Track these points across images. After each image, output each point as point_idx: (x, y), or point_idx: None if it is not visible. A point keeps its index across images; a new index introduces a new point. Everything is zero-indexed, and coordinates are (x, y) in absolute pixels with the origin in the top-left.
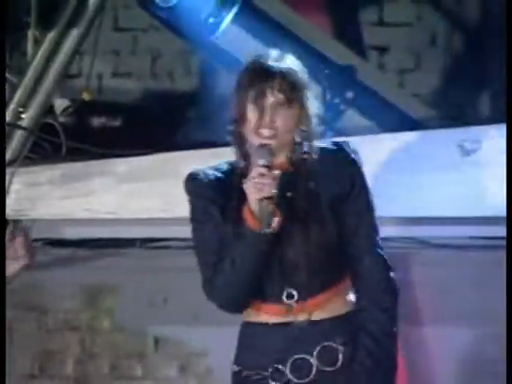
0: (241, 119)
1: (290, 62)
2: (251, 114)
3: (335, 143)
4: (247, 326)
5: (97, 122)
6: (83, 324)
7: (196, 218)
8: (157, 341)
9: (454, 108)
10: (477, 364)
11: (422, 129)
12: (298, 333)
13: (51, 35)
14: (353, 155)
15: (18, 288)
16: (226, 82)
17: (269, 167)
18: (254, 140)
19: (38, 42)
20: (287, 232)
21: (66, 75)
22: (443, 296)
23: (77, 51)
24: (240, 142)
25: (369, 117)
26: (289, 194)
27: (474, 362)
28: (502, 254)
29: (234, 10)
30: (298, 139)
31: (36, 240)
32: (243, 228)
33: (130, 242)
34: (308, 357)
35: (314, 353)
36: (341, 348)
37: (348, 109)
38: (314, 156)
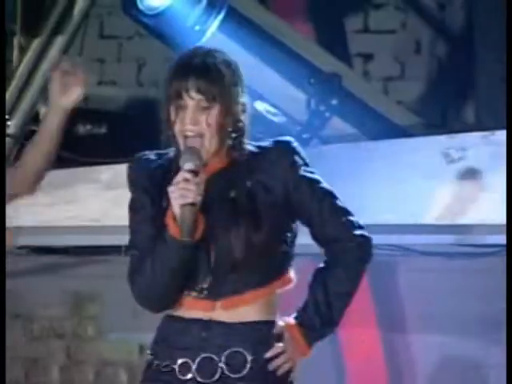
0: (167, 121)
1: (214, 59)
2: (173, 115)
3: (276, 142)
4: (166, 318)
5: (82, 129)
6: (68, 331)
7: (129, 207)
8: (142, 348)
9: (438, 115)
10: (464, 371)
11: (407, 136)
12: (211, 332)
13: (36, 42)
14: (288, 150)
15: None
16: None
17: (194, 172)
18: (181, 142)
19: (23, 50)
20: (216, 229)
21: None
22: (429, 303)
23: (62, 59)
24: (174, 142)
25: (353, 124)
26: (232, 195)
27: (461, 369)
28: (486, 261)
29: (220, 17)
30: (228, 140)
31: (21, 247)
32: (165, 232)
33: (114, 250)
34: (216, 358)
35: (222, 356)
36: (250, 357)
37: (333, 116)
38: (246, 155)
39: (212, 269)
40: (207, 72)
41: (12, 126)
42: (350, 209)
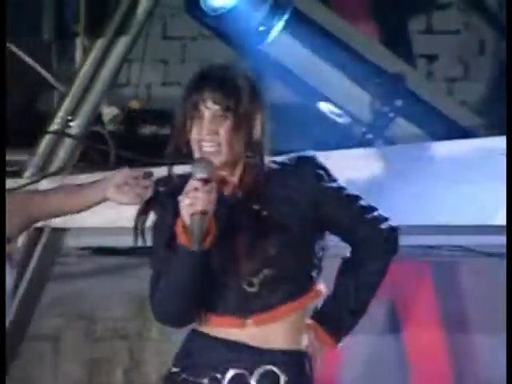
0: (182, 128)
1: (232, 72)
2: (188, 124)
3: (299, 157)
4: (195, 334)
5: (146, 130)
6: (131, 332)
7: (152, 228)
8: None
9: (501, 116)
10: None
11: (470, 137)
12: (240, 354)
13: (100, 43)
14: (312, 164)
15: (66, 297)
16: (274, 91)
17: (205, 180)
18: (196, 149)
19: (86, 50)
20: (242, 245)
21: (114, 84)
22: (492, 303)
23: (125, 59)
24: (181, 155)
25: (417, 125)
26: (256, 208)
27: None
28: None
29: (284, 18)
30: (246, 153)
31: (84, 248)
32: (177, 244)
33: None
34: (247, 374)
35: (255, 372)
36: (284, 377)
37: (397, 117)
38: (268, 170)
39: (240, 286)
40: (223, 84)
41: (75, 126)
42: (414, 208)
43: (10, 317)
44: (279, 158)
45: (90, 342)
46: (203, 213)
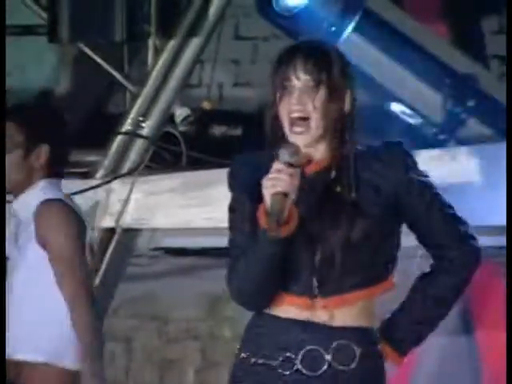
0: (272, 102)
1: (325, 45)
2: (278, 96)
3: (387, 143)
4: (261, 317)
5: (217, 131)
6: (204, 333)
7: (229, 207)
8: None
9: None
10: None
11: None
12: (312, 334)
13: (171, 44)
14: (401, 152)
15: (138, 297)
16: None
17: (290, 164)
18: (286, 124)
19: (158, 51)
20: (320, 226)
21: (186, 84)
22: None
23: (197, 60)
24: (277, 130)
25: (490, 125)
26: (338, 190)
27: None
28: None
29: (356, 18)
30: (335, 130)
31: (156, 249)
32: (257, 226)
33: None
34: (322, 350)
35: (330, 348)
36: (359, 350)
37: (469, 118)
38: (355, 152)
39: (316, 267)
40: (316, 54)
41: (147, 127)
42: (487, 209)
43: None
44: (367, 144)
45: (163, 342)
46: (284, 195)
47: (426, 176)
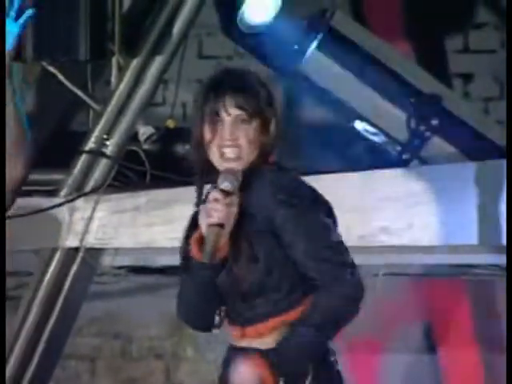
0: (201, 141)
1: (249, 76)
2: (208, 134)
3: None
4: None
5: (181, 149)
6: (167, 352)
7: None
8: None
9: None
10: None
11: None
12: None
13: (135, 63)
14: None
15: (102, 316)
16: (311, 110)
17: (226, 192)
18: (218, 163)
19: (121, 70)
20: (233, 252)
21: (150, 103)
22: None
23: (161, 79)
24: (205, 167)
25: (454, 144)
26: (249, 213)
27: None
28: None
29: (319, 37)
30: (264, 153)
31: (119, 267)
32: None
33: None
34: None
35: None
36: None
37: (433, 136)
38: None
39: (231, 296)
40: (244, 87)
41: (111, 145)
42: (451, 227)
43: (45, 336)
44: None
45: (126, 361)
46: (220, 225)
47: (300, 202)
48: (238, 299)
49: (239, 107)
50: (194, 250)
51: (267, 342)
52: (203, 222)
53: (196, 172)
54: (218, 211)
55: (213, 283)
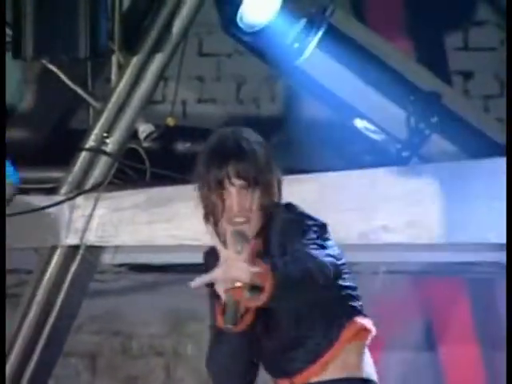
0: (214, 210)
1: (247, 140)
2: (216, 204)
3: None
4: None
5: (181, 147)
6: (167, 349)
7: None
8: None
9: None
10: None
11: None
12: None
13: (135, 61)
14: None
15: (102, 313)
16: (311, 108)
17: (239, 253)
18: (227, 227)
19: (121, 68)
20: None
21: (150, 101)
22: None
23: (161, 77)
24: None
25: (453, 142)
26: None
27: None
28: None
29: (319, 34)
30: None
31: (120, 265)
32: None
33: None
34: None
35: None
36: None
37: (433, 134)
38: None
39: (270, 353)
40: (244, 155)
41: (111, 143)
42: (451, 225)
43: (45, 333)
44: None
45: (127, 358)
46: (237, 288)
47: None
48: (277, 356)
49: (242, 176)
50: (219, 321)
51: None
52: (220, 288)
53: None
54: (233, 268)
55: (243, 349)
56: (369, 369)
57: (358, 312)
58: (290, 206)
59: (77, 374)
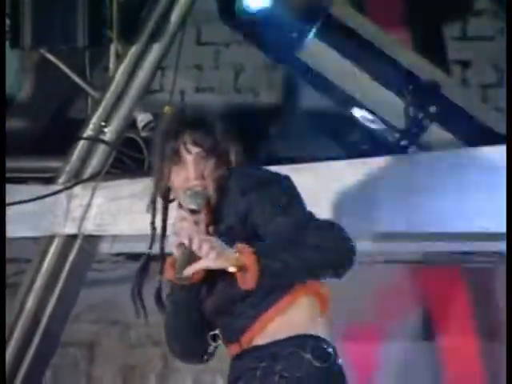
0: (160, 179)
1: (204, 112)
2: (168, 172)
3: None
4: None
5: None
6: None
7: None
8: None
9: None
10: None
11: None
12: (245, 359)
13: (133, 50)
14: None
15: (100, 303)
16: (308, 97)
17: (193, 211)
18: (181, 196)
19: (119, 57)
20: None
21: (148, 90)
22: None
23: (159, 66)
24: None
25: (452, 131)
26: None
27: None
28: None
29: (318, 24)
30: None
31: (118, 254)
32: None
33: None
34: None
35: (258, 372)
36: (278, 368)
37: (431, 123)
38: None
39: (219, 316)
40: (200, 124)
41: (109, 132)
42: (449, 214)
43: (43, 323)
44: None
45: (125, 348)
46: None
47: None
48: (226, 316)
49: (199, 144)
50: (169, 274)
51: (260, 339)
52: (174, 244)
53: (152, 197)
54: (186, 229)
55: (193, 305)
56: (320, 329)
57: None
58: (239, 169)
59: (75, 364)
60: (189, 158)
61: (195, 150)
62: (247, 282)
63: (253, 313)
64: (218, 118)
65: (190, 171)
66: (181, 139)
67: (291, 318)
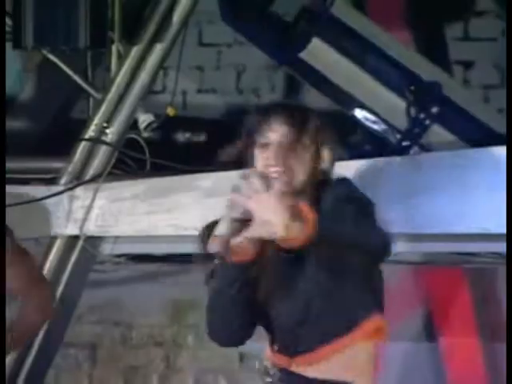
0: (248, 163)
1: (297, 104)
2: (258, 158)
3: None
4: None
5: (181, 137)
6: (167, 339)
7: None
8: (242, 356)
9: None
10: None
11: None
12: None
13: (135, 50)
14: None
15: (102, 304)
16: (310, 98)
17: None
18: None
19: (121, 58)
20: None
21: (150, 91)
22: None
23: (161, 67)
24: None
25: (453, 132)
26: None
27: None
28: None
29: (319, 24)
30: (313, 183)
31: (120, 255)
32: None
33: (214, 258)
34: None
35: None
36: None
37: (433, 124)
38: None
39: (281, 325)
40: (291, 117)
41: (111, 133)
42: (451, 215)
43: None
44: None
45: (127, 349)
46: (241, 220)
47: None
48: (287, 331)
49: (287, 125)
50: (218, 246)
51: (314, 371)
52: (225, 216)
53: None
54: (240, 205)
55: (238, 280)
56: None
57: (381, 309)
58: (343, 181)
59: (77, 365)
60: (273, 137)
61: (281, 129)
62: (300, 234)
63: (315, 339)
64: (315, 114)
65: (271, 153)
66: (268, 124)
67: (345, 362)
